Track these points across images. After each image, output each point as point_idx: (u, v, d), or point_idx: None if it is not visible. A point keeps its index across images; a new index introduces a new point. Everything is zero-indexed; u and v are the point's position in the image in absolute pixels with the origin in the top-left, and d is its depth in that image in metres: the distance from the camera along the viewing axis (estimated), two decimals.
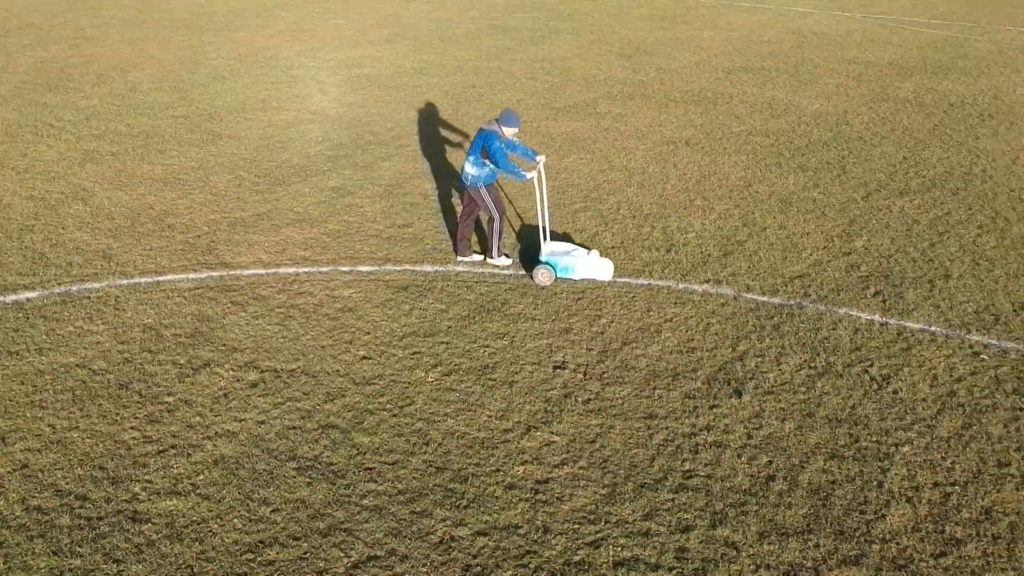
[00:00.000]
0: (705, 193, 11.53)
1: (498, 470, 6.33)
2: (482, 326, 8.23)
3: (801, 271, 9.34)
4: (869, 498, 6.06)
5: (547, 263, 9.03)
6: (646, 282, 9.11)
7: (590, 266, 9.04)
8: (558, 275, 9.05)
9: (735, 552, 5.60)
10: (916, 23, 25.30)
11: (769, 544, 5.66)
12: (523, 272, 9.31)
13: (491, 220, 9.32)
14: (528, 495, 6.08)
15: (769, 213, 10.88)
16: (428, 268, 9.38)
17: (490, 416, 6.92)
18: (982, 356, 7.75)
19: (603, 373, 7.51)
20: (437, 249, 9.81)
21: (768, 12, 26.85)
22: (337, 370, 7.50)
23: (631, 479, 6.24)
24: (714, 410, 7.02)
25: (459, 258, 9.58)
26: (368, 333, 8.09)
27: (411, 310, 8.51)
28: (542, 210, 9.51)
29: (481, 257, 9.62)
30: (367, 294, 8.80)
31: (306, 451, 6.51)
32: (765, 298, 8.78)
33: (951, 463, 6.40)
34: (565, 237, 10.07)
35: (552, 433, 6.72)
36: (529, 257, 9.63)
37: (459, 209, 10.09)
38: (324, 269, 9.33)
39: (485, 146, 8.83)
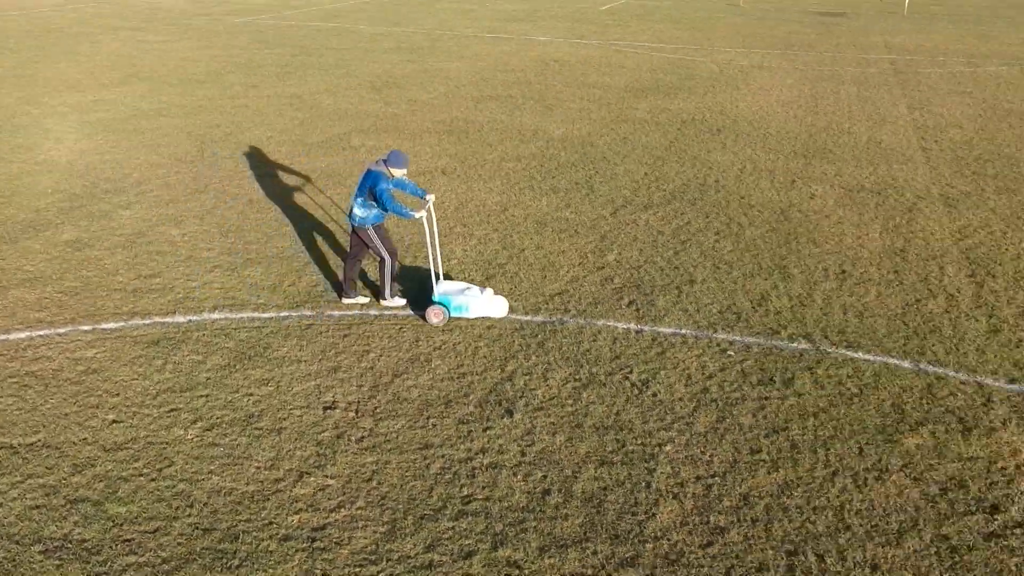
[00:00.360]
0: (464, 219, 11.68)
1: (271, 523, 6.02)
2: (244, 374, 7.86)
3: (560, 288, 9.64)
4: (639, 499, 6.29)
5: (440, 302, 8.84)
6: (412, 313, 9.07)
7: (484, 304, 8.89)
8: (451, 314, 8.86)
9: (518, 571, 5.63)
10: (647, 48, 27.10)
11: (550, 558, 5.73)
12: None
13: (382, 261, 9.06)
14: (305, 544, 5.83)
15: (526, 235, 11.18)
16: (180, 319, 8.86)
17: (259, 467, 6.59)
18: (728, 353, 8.30)
19: (376, 408, 7.36)
20: (190, 298, 9.29)
21: (512, 42, 27.84)
22: (84, 438, 6.89)
23: (411, 512, 6.13)
24: (488, 432, 7.05)
25: (344, 300, 9.26)
26: (117, 395, 7.50)
27: (164, 365, 7.99)
28: (433, 249, 9.28)
29: (367, 299, 9.32)
30: (113, 353, 8.17)
31: (53, 531, 5.90)
32: (529, 317, 8.98)
33: (710, 456, 6.78)
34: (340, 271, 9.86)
35: (326, 477, 6.50)
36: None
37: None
38: (62, 330, 8.58)
39: (371, 187, 8.63)
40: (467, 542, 5.86)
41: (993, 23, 35.78)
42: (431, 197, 9.03)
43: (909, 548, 5.81)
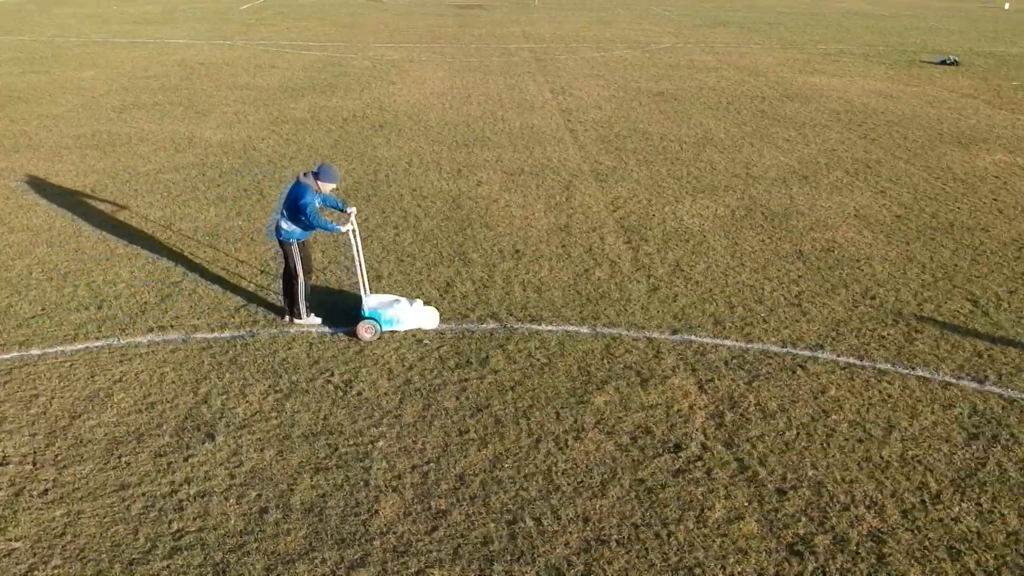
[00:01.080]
0: (127, 238, 10.86)
1: None
2: None
3: (245, 300, 9.29)
4: (360, 499, 6.26)
5: (371, 317, 8.41)
6: (82, 346, 8.30)
7: (416, 316, 8.59)
8: (383, 328, 8.46)
9: None
10: (296, 46, 26.71)
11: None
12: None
13: (294, 279, 8.56)
14: None
15: (199, 248, 10.63)
16: None
17: None
18: (424, 341, 8.46)
19: (56, 456, 6.66)
20: None
21: (149, 46, 26.20)
22: None
23: (117, 560, 5.63)
24: (190, 460, 6.65)
25: (295, 320, 8.82)
26: None
27: None
28: (359, 263, 8.55)
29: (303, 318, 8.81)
30: None
31: None
32: (215, 334, 8.56)
33: (422, 444, 6.89)
34: None
35: (10, 540, 5.78)
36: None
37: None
38: None
39: (297, 199, 8.13)
40: None
41: (613, 11, 39.38)
42: (353, 210, 8.63)
43: (613, 496, 6.30)
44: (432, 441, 6.94)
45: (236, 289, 9.52)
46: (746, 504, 6.24)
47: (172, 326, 8.71)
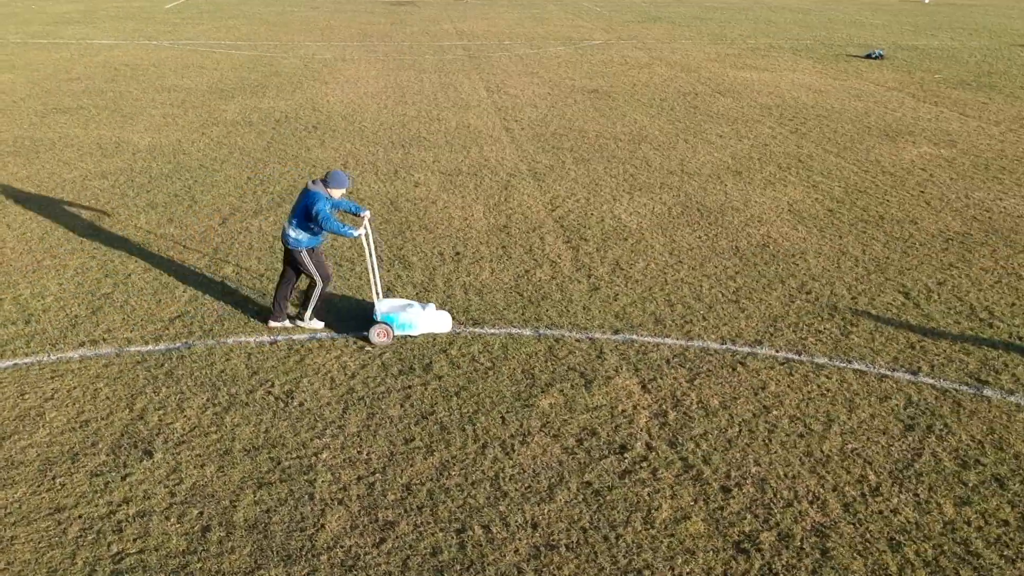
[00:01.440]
0: (53, 250, 10.53)
1: None
2: None
3: (180, 310, 9.08)
4: (305, 513, 6.16)
5: (384, 320, 8.32)
6: (10, 363, 8.02)
7: (430, 320, 8.52)
8: (396, 332, 8.40)
9: None
10: (224, 46, 26.22)
11: None
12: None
13: (312, 285, 8.53)
14: None
15: (130, 257, 10.36)
16: None
17: None
18: (365, 348, 8.37)
19: None
20: None
21: (71, 47, 25.47)
22: None
23: None
24: (128, 479, 6.47)
25: (271, 323, 8.73)
26: None
27: None
28: (372, 267, 8.43)
29: (292, 324, 8.78)
30: None
31: None
32: (150, 347, 8.35)
33: (367, 454, 6.81)
34: None
35: None
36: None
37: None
38: None
39: (309, 206, 8.09)
40: None
41: (545, 7, 39.46)
42: (367, 213, 8.48)
43: (561, 501, 6.31)
44: (377, 451, 6.86)
45: (170, 299, 9.30)
46: (692, 503, 6.29)
47: (104, 340, 8.47)
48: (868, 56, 26.56)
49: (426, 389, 7.71)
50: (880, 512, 6.22)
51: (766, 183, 13.69)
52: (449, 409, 7.42)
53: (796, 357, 8.35)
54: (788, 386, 7.84)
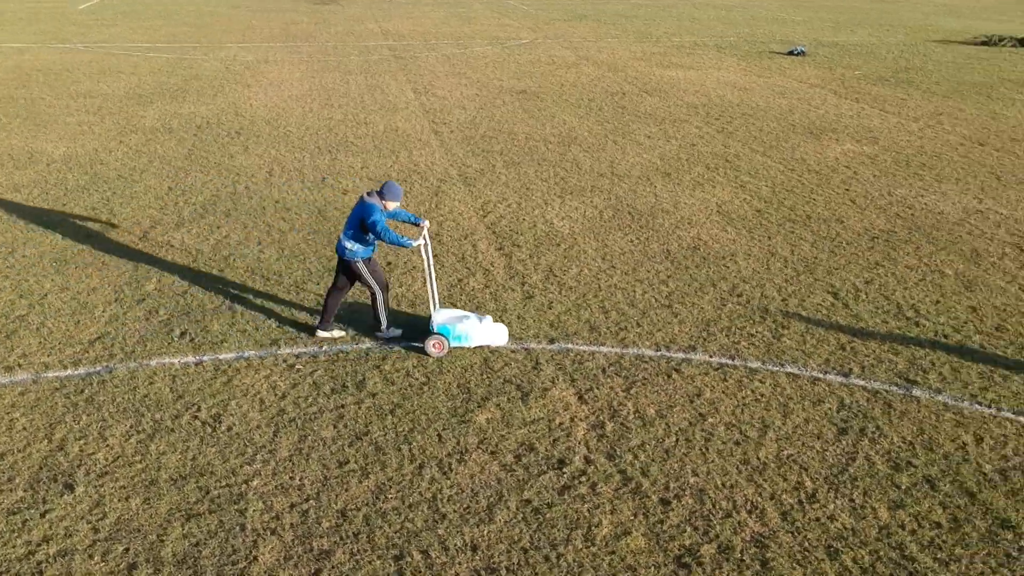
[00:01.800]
0: None
1: None
2: None
3: (99, 331, 8.73)
4: (236, 545, 5.95)
5: (440, 332, 8.30)
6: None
7: (485, 332, 8.44)
8: (452, 343, 8.35)
9: None
10: (142, 49, 25.48)
11: None
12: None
13: (373, 295, 8.52)
14: None
15: (45, 276, 9.94)
16: None
17: None
18: (296, 367, 8.15)
19: None
20: None
21: None
22: None
23: None
24: (48, 516, 6.17)
25: (319, 333, 8.68)
26: None
27: None
28: (430, 277, 8.27)
29: (342, 333, 8.79)
30: None
31: None
32: (69, 372, 8.01)
33: (300, 480, 6.62)
34: None
35: None
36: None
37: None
38: None
39: (364, 218, 8.10)
40: None
41: (471, 6, 39.27)
42: (426, 223, 8.55)
43: (500, 521, 6.20)
44: (310, 475, 6.67)
45: (89, 320, 8.94)
46: (632, 518, 6.25)
47: (20, 365, 8.10)
48: (790, 53, 27.03)
49: (360, 408, 7.53)
50: (817, 519, 6.26)
51: (695, 184, 13.78)
52: (384, 428, 7.26)
53: (730, 362, 8.39)
54: (723, 392, 7.87)
